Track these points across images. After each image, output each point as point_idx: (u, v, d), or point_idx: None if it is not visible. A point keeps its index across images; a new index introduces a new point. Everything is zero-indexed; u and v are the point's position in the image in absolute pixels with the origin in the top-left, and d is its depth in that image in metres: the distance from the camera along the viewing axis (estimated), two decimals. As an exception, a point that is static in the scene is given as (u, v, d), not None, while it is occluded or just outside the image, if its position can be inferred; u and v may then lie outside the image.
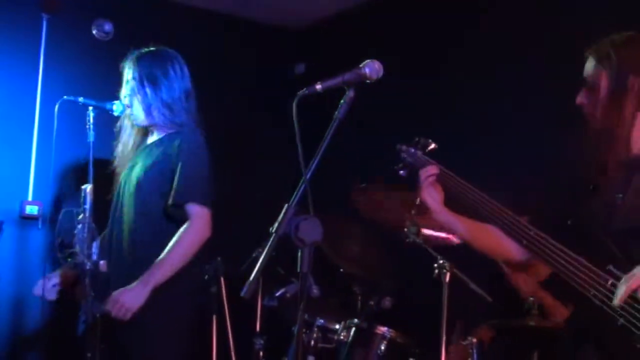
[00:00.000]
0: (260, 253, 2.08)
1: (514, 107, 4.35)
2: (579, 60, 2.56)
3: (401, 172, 2.92)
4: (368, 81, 2.18)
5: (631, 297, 2.24)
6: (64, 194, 4.74)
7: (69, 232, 3.32)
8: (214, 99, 5.22)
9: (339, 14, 5.70)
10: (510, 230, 2.52)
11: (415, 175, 2.83)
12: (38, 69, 4.89)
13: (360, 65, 2.18)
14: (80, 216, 3.27)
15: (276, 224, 2.03)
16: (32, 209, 4.79)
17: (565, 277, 2.37)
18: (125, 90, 3.58)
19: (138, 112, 3.56)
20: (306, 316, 3.86)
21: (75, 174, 4.64)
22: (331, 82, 2.15)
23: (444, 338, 3.19)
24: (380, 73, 2.19)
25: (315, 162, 2.08)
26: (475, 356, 3.31)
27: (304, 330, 3.81)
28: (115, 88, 3.69)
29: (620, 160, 2.48)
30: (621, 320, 2.26)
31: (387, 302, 3.93)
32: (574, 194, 2.55)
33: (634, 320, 2.23)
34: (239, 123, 5.54)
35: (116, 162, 3.67)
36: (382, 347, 3.63)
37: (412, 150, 2.90)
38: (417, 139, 2.92)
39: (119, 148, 3.66)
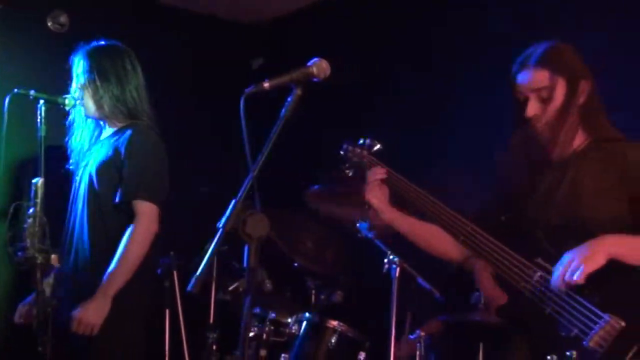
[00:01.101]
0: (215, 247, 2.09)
1: (469, 105, 4.41)
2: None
3: (347, 171, 2.98)
4: (316, 79, 2.20)
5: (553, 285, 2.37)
6: (15, 188, 4.69)
7: (19, 227, 3.31)
8: (170, 93, 5.22)
9: (298, 10, 5.71)
10: (448, 226, 2.60)
11: (362, 174, 2.89)
12: None
13: (308, 64, 2.21)
14: (31, 210, 3.27)
15: (223, 219, 2.04)
16: (-19, 203, 4.73)
17: (498, 270, 2.49)
18: (75, 84, 3.58)
19: (89, 106, 3.55)
20: (259, 310, 3.89)
21: (27, 168, 4.60)
22: (279, 80, 2.18)
23: (393, 332, 3.24)
24: (328, 72, 2.22)
25: (262, 158, 2.09)
26: (422, 349, 3.37)
27: (256, 323, 3.85)
28: (69, 81, 3.68)
29: (557, 159, 2.58)
30: (548, 310, 2.37)
31: (338, 296, 3.98)
32: (510, 191, 2.64)
33: (559, 309, 2.35)
34: (194, 117, 5.55)
35: (71, 158, 3.66)
36: (333, 341, 3.66)
37: (358, 150, 2.95)
38: (362, 139, 2.97)
39: (72, 143, 3.66)
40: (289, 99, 2.17)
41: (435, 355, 3.55)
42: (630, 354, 2.22)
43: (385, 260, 3.34)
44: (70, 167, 3.67)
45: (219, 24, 5.91)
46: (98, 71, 3.50)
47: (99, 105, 3.52)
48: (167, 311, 4.20)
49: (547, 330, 2.37)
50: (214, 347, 4.20)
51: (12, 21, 4.92)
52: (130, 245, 3.34)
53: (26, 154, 4.49)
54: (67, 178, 3.72)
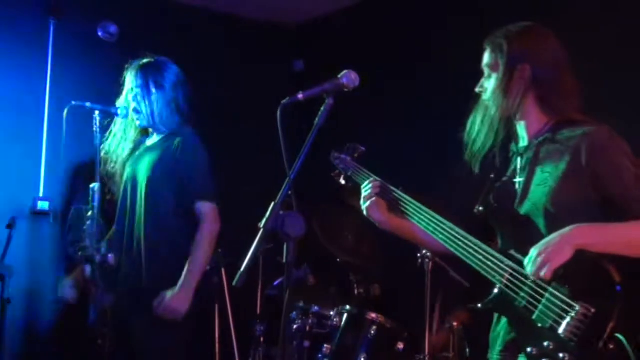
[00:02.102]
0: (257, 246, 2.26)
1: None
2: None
3: (337, 179, 3.05)
4: (346, 90, 2.37)
5: (525, 277, 2.36)
6: (72, 191, 4.91)
7: (78, 228, 3.54)
8: (215, 97, 5.37)
9: (337, 10, 5.80)
10: (427, 225, 2.64)
11: (349, 180, 2.98)
12: (46, 70, 5.05)
13: (339, 76, 2.38)
14: (89, 213, 3.50)
15: (264, 220, 2.22)
16: (43, 205, 4.96)
17: (475, 266, 2.48)
18: (128, 97, 3.82)
19: (142, 116, 3.81)
20: (302, 304, 4.06)
21: (83, 172, 4.79)
22: (312, 92, 2.36)
23: (427, 322, 3.34)
24: (357, 82, 2.38)
25: (299, 164, 2.27)
26: (456, 338, 3.46)
27: (300, 316, 4.01)
28: (119, 87, 3.90)
29: (514, 147, 2.61)
30: (523, 302, 2.37)
31: (375, 289, 4.11)
32: (481, 182, 2.65)
33: (533, 301, 2.35)
34: (238, 119, 5.64)
35: (117, 162, 3.90)
36: (372, 332, 3.79)
37: (343, 156, 3.03)
38: (347, 144, 3.03)
39: (119, 149, 3.91)
40: (322, 109, 2.34)
41: (469, 345, 3.64)
42: (605, 338, 2.21)
43: (419, 255, 3.46)
44: (114, 171, 3.91)
45: (260, 27, 6.03)
46: (150, 85, 3.77)
47: (150, 116, 3.78)
48: (217, 306, 4.36)
49: (525, 322, 2.37)
50: (261, 339, 4.35)
51: (65, 33, 5.13)
52: (202, 245, 3.66)
53: (83, 158, 4.71)
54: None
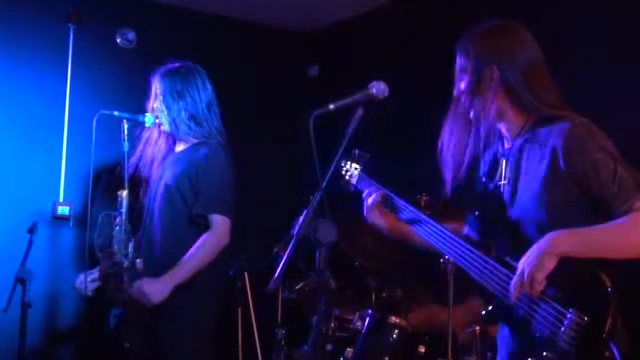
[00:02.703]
0: (280, 251, 2.31)
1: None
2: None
3: (345, 187, 3.06)
4: (375, 100, 2.42)
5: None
6: (93, 196, 4.96)
7: (107, 234, 3.60)
8: (231, 102, 5.41)
9: (352, 18, 5.84)
10: (427, 234, 2.64)
11: (355, 188, 3.00)
12: (66, 76, 5.10)
13: (368, 87, 2.42)
14: (117, 219, 3.55)
15: (297, 227, 2.29)
16: (63, 210, 5.01)
17: (475, 275, 2.47)
18: (154, 104, 3.85)
19: (165, 124, 3.83)
20: (324, 307, 4.08)
21: (104, 178, 4.84)
22: (343, 102, 2.40)
23: (450, 326, 3.37)
24: (386, 93, 2.43)
25: (330, 173, 2.33)
26: (478, 343, 3.48)
27: (322, 320, 4.05)
28: (137, 93, 3.97)
29: (500, 149, 2.57)
30: (522, 312, 2.33)
31: (398, 294, 4.14)
32: (475, 187, 2.63)
33: (530, 311, 2.30)
34: (254, 124, 5.64)
35: (146, 170, 3.93)
36: (395, 336, 3.82)
37: (349, 164, 3.05)
38: (354, 152, 3.03)
39: (149, 157, 3.93)
40: (353, 119, 2.39)
41: (492, 349, 3.65)
42: (601, 345, 2.16)
43: (442, 260, 3.49)
44: (144, 178, 3.95)
45: (275, 33, 6.07)
46: (172, 92, 3.77)
47: (175, 124, 3.80)
48: (240, 310, 4.40)
49: (525, 332, 2.32)
50: (283, 342, 4.36)
51: (85, 40, 5.18)
52: (200, 250, 3.62)
53: (105, 164, 4.76)
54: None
